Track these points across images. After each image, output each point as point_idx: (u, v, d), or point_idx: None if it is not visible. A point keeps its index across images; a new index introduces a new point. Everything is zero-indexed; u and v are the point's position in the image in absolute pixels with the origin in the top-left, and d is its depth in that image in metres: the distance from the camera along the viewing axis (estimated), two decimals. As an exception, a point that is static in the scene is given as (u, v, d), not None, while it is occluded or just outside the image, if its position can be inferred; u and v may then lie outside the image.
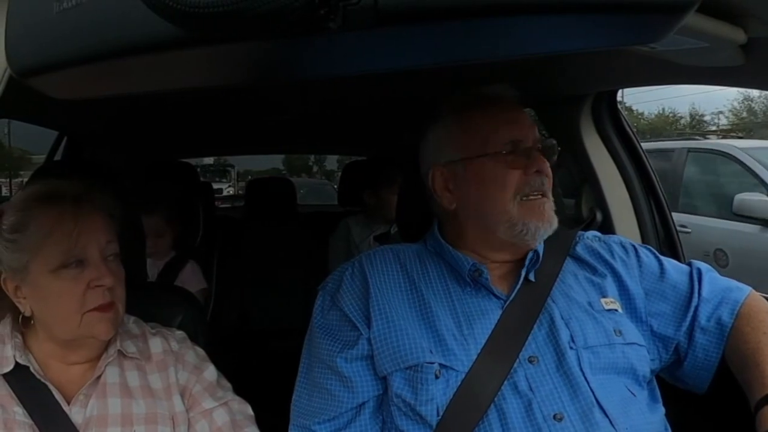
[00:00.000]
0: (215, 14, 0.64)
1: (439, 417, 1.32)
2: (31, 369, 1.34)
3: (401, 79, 1.92)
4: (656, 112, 41.01)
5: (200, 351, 1.53)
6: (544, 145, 1.47)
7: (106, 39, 0.77)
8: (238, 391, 1.52)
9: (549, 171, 1.46)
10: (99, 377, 1.39)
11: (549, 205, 1.45)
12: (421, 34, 0.76)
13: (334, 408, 1.40)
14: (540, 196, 1.44)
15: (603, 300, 1.48)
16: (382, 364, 1.38)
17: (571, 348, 1.37)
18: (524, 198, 1.43)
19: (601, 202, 2.18)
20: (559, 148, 1.52)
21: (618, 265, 1.55)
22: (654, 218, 2.18)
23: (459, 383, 1.34)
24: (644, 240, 2.14)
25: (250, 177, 11.14)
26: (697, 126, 39.12)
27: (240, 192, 12.12)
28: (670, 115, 40.37)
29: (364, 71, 0.98)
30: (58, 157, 3.18)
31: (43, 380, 1.34)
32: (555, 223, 1.46)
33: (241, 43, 0.73)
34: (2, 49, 0.89)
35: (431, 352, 1.36)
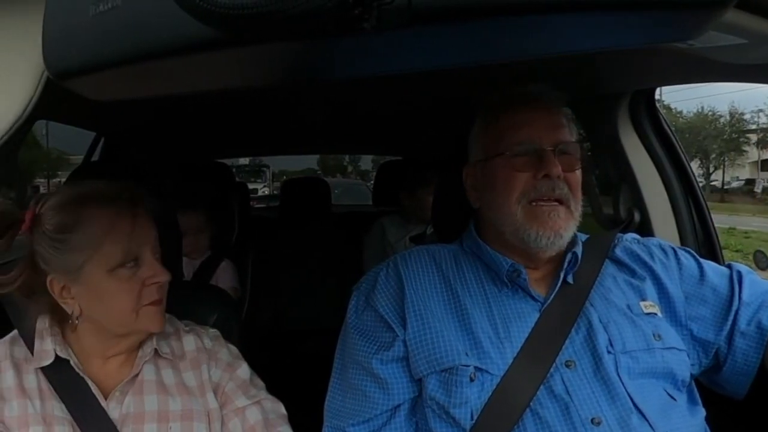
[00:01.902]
0: (249, 15, 0.64)
1: (473, 421, 1.31)
2: (71, 363, 1.36)
3: (436, 79, 1.91)
4: (695, 111, 40.58)
5: (233, 349, 1.54)
6: (559, 149, 1.42)
7: (141, 41, 0.78)
8: (271, 390, 1.53)
9: (567, 176, 1.42)
10: (136, 375, 1.41)
11: (561, 213, 1.41)
12: (454, 33, 0.75)
13: (369, 410, 1.40)
14: (552, 203, 1.41)
15: (642, 303, 1.46)
16: (417, 366, 1.38)
17: (609, 352, 1.36)
18: (532, 203, 1.41)
19: (639, 203, 2.15)
20: (589, 151, 1.49)
21: (658, 268, 1.52)
22: (693, 219, 2.14)
23: (494, 387, 1.33)
24: (683, 242, 2.11)
25: (285, 177, 11.20)
26: (736, 125, 38.58)
27: (275, 192, 12.18)
28: (709, 113, 39.87)
29: (397, 71, 0.98)
30: (95, 158, 3.22)
31: (81, 374, 1.36)
32: (566, 233, 1.42)
33: (275, 43, 0.73)
34: (40, 52, 0.90)
35: (467, 354, 1.35)
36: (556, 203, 1.41)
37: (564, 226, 1.41)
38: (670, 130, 2.19)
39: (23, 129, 1.09)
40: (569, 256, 1.46)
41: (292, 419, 1.50)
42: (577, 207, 1.44)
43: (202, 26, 0.69)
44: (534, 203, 1.41)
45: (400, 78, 1.83)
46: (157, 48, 0.77)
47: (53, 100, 1.02)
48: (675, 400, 1.37)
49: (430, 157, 3.94)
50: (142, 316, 1.35)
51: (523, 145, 1.42)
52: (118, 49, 0.81)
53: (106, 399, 1.37)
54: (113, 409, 1.37)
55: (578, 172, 1.45)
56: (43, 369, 1.36)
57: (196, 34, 0.71)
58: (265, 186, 17.87)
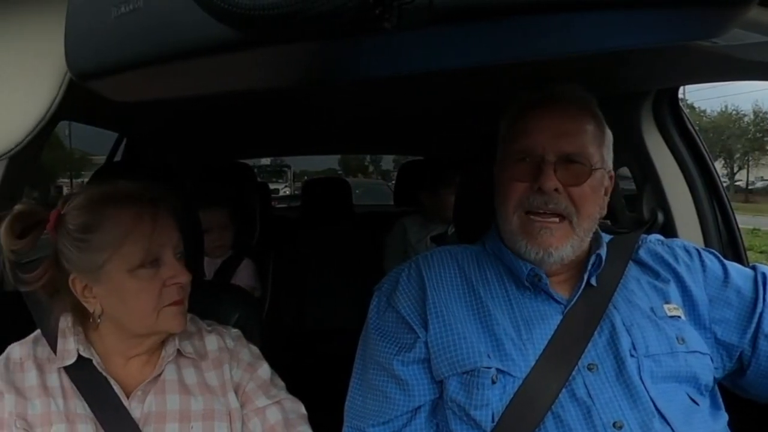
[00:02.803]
0: (270, 17, 0.64)
1: (494, 423, 1.31)
2: (94, 362, 1.37)
3: (457, 78, 1.91)
4: (719, 110, 40.20)
5: (254, 349, 1.54)
6: (564, 159, 1.38)
7: (163, 42, 0.78)
8: (292, 390, 1.53)
9: (570, 189, 1.39)
10: (158, 375, 1.41)
11: (555, 231, 1.39)
12: (475, 32, 0.75)
13: (389, 411, 1.40)
14: (547, 218, 1.39)
15: (666, 306, 1.44)
16: (438, 368, 1.38)
17: (631, 356, 1.34)
18: (527, 214, 1.40)
19: (662, 203, 2.13)
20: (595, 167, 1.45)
21: (682, 270, 1.50)
22: (717, 220, 2.12)
23: (516, 389, 1.32)
24: (707, 242, 2.08)
25: (306, 177, 11.23)
26: (761, 124, 38.19)
27: (296, 192, 12.22)
28: (733, 112, 39.47)
29: (418, 71, 0.98)
30: (117, 158, 3.25)
31: (104, 373, 1.37)
32: (557, 252, 1.39)
33: (295, 44, 0.73)
34: (62, 53, 0.91)
35: (489, 356, 1.34)
36: (552, 218, 1.39)
37: (555, 244, 1.39)
38: (694, 130, 2.16)
39: (47, 129, 1.10)
40: (593, 258, 1.44)
41: (312, 419, 1.50)
42: (582, 222, 1.40)
43: (223, 27, 0.69)
44: (529, 215, 1.40)
45: (421, 78, 1.82)
46: (178, 49, 0.78)
47: (76, 101, 1.02)
48: (698, 404, 1.36)
49: (451, 157, 3.93)
50: (162, 316, 1.36)
51: (525, 153, 1.40)
52: (140, 51, 0.81)
53: (128, 398, 1.38)
54: (135, 409, 1.38)
55: (586, 186, 1.40)
56: (66, 368, 1.37)
57: (217, 35, 0.72)
58: (286, 186, 17.92)
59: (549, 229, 1.39)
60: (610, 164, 1.47)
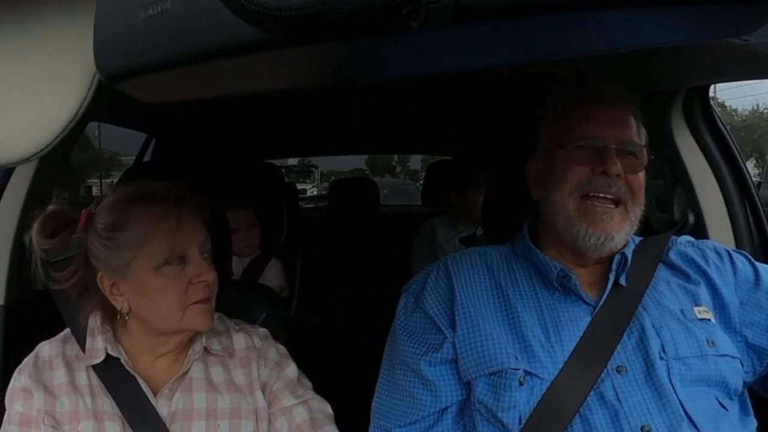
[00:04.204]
0: (297, 17, 0.64)
1: (522, 425, 1.30)
2: (122, 360, 1.39)
3: (484, 78, 1.89)
4: (750, 109, 39.54)
5: (282, 348, 1.55)
6: (623, 149, 1.39)
7: (190, 43, 0.78)
8: (318, 390, 1.53)
9: (629, 177, 1.39)
10: (185, 373, 1.43)
11: (615, 216, 1.38)
12: (503, 31, 0.74)
13: (416, 411, 1.40)
14: (606, 203, 1.38)
15: (696, 309, 1.42)
16: (466, 369, 1.37)
17: (661, 358, 1.33)
18: (586, 198, 1.38)
19: (693, 204, 2.10)
20: (652, 154, 1.45)
21: (712, 273, 1.48)
22: (749, 221, 2.09)
23: (543, 391, 1.31)
24: (738, 244, 2.05)
25: (333, 177, 11.25)
26: (793, 123, 37.57)
27: (323, 192, 12.26)
28: (765, 111, 38.84)
29: (446, 70, 0.97)
30: (146, 158, 3.28)
31: (132, 372, 1.39)
32: (617, 236, 1.38)
33: (323, 44, 0.73)
34: (91, 55, 0.92)
35: (516, 358, 1.34)
36: (611, 204, 1.38)
37: (616, 229, 1.37)
38: (725, 129, 2.14)
39: (76, 131, 1.11)
40: (618, 257, 1.43)
41: (339, 419, 1.50)
42: (636, 209, 1.41)
43: (250, 28, 0.69)
44: (587, 200, 1.38)
45: (447, 77, 1.82)
46: (205, 50, 0.78)
47: (105, 102, 1.03)
48: (726, 409, 1.34)
49: (480, 157, 3.91)
50: (188, 314, 1.36)
51: (586, 140, 1.40)
52: (168, 52, 0.81)
53: (155, 396, 1.39)
54: (162, 407, 1.39)
55: (641, 175, 1.42)
56: (94, 366, 1.39)
57: (244, 36, 0.72)
58: (313, 186, 17.98)
59: (610, 214, 1.37)
60: None
